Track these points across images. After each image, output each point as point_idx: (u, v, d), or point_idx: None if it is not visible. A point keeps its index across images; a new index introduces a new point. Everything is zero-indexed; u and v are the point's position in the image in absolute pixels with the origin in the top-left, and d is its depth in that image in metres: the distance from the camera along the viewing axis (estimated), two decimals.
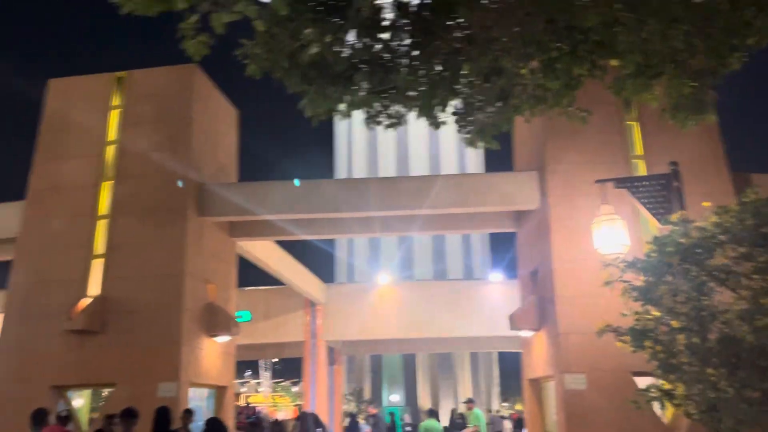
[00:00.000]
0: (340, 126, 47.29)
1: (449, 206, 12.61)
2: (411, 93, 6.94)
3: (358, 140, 45.15)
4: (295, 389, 61.93)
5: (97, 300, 11.77)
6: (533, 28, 6.72)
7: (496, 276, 22.36)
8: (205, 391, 12.96)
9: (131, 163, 12.76)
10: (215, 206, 12.76)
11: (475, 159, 44.54)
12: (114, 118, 13.25)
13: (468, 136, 8.39)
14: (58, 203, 12.76)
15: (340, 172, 46.98)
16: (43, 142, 13.36)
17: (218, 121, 14.20)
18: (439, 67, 6.82)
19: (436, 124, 7.69)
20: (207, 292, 12.77)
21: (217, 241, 13.45)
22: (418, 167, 41.90)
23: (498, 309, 21.97)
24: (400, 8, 6.77)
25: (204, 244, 12.78)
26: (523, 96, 7.58)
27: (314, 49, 6.17)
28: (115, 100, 13.38)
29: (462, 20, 6.71)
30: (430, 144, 43.17)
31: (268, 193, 12.85)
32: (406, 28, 6.48)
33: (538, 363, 12.24)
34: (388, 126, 7.65)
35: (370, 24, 6.43)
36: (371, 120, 7.61)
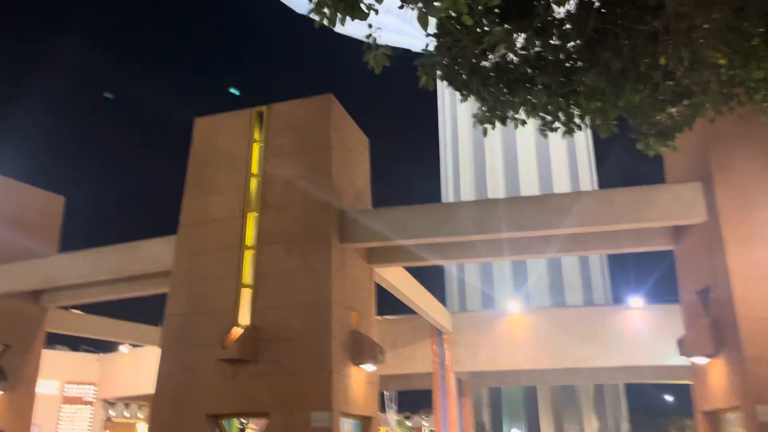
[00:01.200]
0: (446, 145, 46.70)
1: (600, 224, 11.82)
2: (594, 93, 6.43)
3: (464, 158, 44.12)
4: (408, 423, 61.06)
5: (248, 329, 11.92)
6: (725, 14, 6.08)
7: (637, 301, 20.86)
8: (350, 422, 12.74)
9: (274, 194, 13.00)
10: (356, 233, 12.69)
11: (587, 175, 42.47)
12: (256, 151, 13.63)
13: (644, 140, 7.76)
14: (207, 236, 13.19)
15: (447, 193, 46.30)
16: (191, 178, 13.95)
17: (353, 149, 14.27)
18: (619, 65, 6.29)
19: (608, 127, 7.14)
20: (351, 320, 12.66)
21: (357, 268, 13.36)
22: (528, 186, 40.46)
23: (638, 336, 20.60)
24: (584, 2, 6.34)
25: (346, 271, 12.71)
26: (708, 93, 6.89)
27: (502, 51, 5.84)
28: (257, 134, 13.77)
29: (651, 11, 6.16)
30: (539, 162, 41.57)
31: (407, 219, 12.63)
32: (590, 22, 6.02)
33: (716, 393, 11.01)
34: (566, 133, 7.16)
35: (555, 21, 6.04)
36: (547, 127, 7.16)
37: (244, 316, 12.24)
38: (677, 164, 12.70)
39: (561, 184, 40.29)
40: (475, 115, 7.18)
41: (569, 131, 7.11)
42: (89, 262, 14.93)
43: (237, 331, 11.92)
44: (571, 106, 6.59)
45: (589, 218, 11.68)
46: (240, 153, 13.67)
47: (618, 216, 11.66)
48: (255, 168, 13.49)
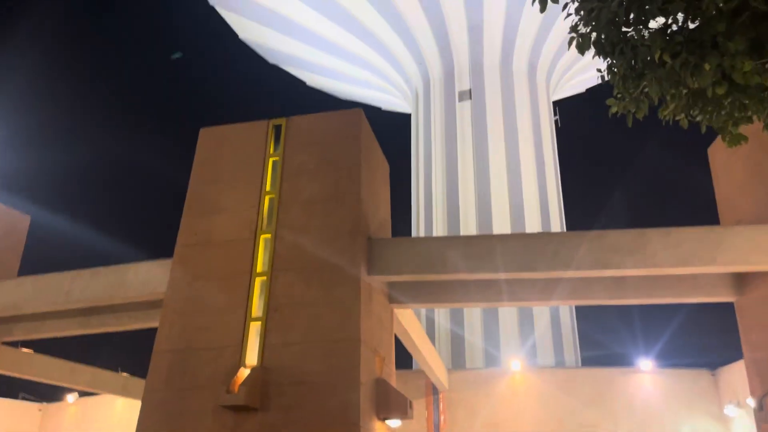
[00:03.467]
0: (417, 182, 45.20)
1: (665, 266, 10.52)
2: None
3: (437, 193, 42.38)
4: None
5: (257, 370, 9.98)
6: None
7: (646, 364, 19.55)
8: None
9: (292, 215, 11.34)
10: (386, 264, 11.08)
11: (557, 213, 41.19)
12: (270, 167, 12.01)
13: None
14: (209, 260, 11.34)
15: (418, 229, 44.37)
16: (193, 194, 12.17)
17: (378, 173, 12.81)
18: None
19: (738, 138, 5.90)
20: (375, 365, 10.85)
21: (380, 306, 11.67)
22: (500, 224, 38.73)
23: (649, 402, 19.24)
24: None
25: (372, 308, 11.01)
26: None
27: None
28: (272, 149, 12.19)
29: None
30: (511, 199, 40.06)
31: (446, 250, 11.10)
32: None
33: None
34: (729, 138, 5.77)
35: None
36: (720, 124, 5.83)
37: (252, 355, 10.32)
38: (741, 206, 11.65)
39: (532, 225, 38.71)
40: (613, 102, 5.81)
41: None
42: (60, 287, 12.76)
43: (243, 372, 9.98)
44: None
45: (654, 260, 10.39)
46: (252, 168, 12.03)
47: (685, 259, 10.40)
48: (269, 186, 11.84)
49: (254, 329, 10.53)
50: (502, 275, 11.03)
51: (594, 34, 5.11)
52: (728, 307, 12.32)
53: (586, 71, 42.56)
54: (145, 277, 12.06)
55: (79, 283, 12.58)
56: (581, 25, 5.20)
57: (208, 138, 12.73)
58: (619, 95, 5.70)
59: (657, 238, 10.53)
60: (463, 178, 41.26)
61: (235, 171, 12.16)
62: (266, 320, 10.50)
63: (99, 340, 15.34)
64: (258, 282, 10.92)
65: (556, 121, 44.56)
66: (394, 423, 10.82)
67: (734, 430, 18.14)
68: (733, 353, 18.64)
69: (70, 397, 25.85)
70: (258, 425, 9.73)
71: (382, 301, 11.83)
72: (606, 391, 19.48)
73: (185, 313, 10.94)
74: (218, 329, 10.63)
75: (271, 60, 55.64)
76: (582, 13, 5.17)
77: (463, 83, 44.65)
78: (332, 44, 48.60)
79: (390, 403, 10.53)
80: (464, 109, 44.43)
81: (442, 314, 37.14)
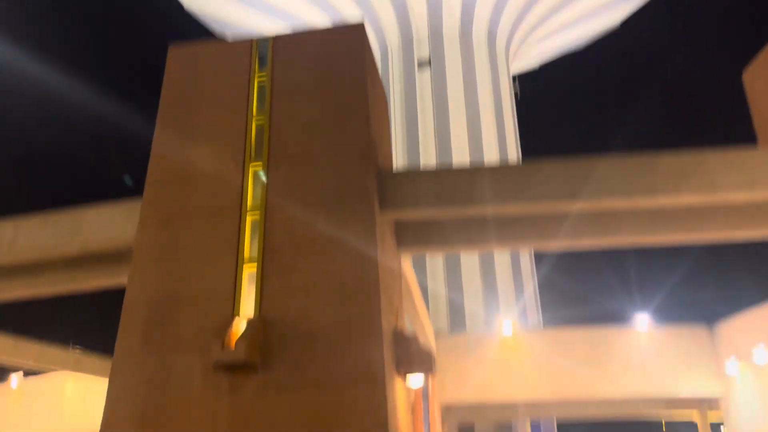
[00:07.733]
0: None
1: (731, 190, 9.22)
2: None
3: (397, 163, 40.37)
4: None
5: (255, 322, 8.21)
6: None
7: (642, 321, 18.53)
8: None
9: (287, 141, 9.51)
10: (400, 198, 9.41)
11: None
12: (257, 89, 10.12)
13: None
14: (188, 197, 9.41)
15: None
16: (163, 122, 10.16)
17: (380, 100, 11.08)
18: None
19: None
20: (393, 316, 9.22)
21: (390, 251, 10.01)
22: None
23: (646, 363, 18.34)
24: None
25: (386, 250, 9.34)
26: None
27: None
28: (257, 68, 10.28)
29: None
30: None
31: (472, 181, 9.51)
32: None
33: None
34: None
35: None
36: None
37: (247, 305, 8.53)
38: None
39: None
40: None
41: None
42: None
43: (240, 324, 8.18)
44: None
45: (713, 185, 9.09)
46: (235, 91, 10.11)
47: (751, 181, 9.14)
48: (256, 109, 9.95)
49: (248, 275, 8.73)
50: (539, 206, 9.48)
51: None
52: (725, 259, 11.11)
53: (545, 39, 41.38)
54: (106, 223, 10.01)
55: (23, 231, 10.41)
56: None
57: (179, 58, 10.69)
58: None
59: (715, 159, 9.21)
60: (424, 146, 39.56)
61: (214, 94, 10.21)
62: (263, 263, 8.70)
63: (48, 307, 13.09)
64: (249, 220, 9.08)
65: (516, 94, 43.08)
66: (416, 381, 9.22)
67: (736, 388, 17.41)
68: (732, 307, 17.94)
69: (14, 378, 23.05)
70: (260, 387, 7.96)
71: (391, 245, 10.18)
72: (601, 351, 18.45)
73: (162, 260, 9.01)
74: (203, 277, 8.76)
75: (218, 30, 52.40)
76: None
77: (422, 51, 42.82)
78: (283, 11, 45.79)
79: (412, 358, 8.92)
80: (424, 77, 42.74)
81: (429, 274, 35.22)
